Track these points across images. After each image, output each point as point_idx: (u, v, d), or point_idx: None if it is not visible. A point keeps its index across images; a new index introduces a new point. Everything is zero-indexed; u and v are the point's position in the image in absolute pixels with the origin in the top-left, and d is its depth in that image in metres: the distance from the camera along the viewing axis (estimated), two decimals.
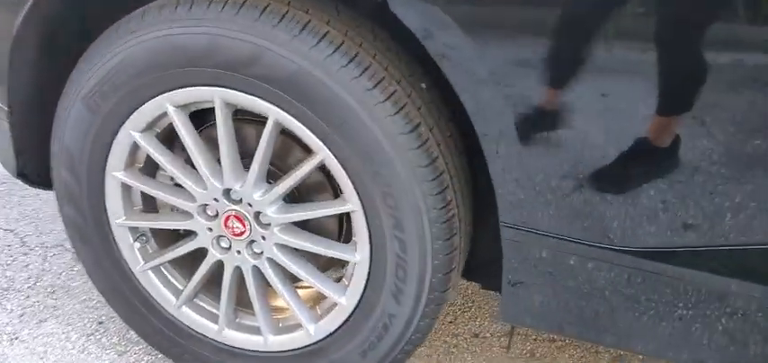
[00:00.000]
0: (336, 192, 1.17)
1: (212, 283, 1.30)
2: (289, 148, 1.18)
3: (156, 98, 1.10)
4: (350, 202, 1.09)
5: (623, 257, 1.00)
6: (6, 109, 1.25)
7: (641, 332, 1.06)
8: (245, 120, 1.17)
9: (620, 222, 0.98)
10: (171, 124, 1.13)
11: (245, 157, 1.14)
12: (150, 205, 1.29)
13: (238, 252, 1.21)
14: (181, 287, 1.31)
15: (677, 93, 0.89)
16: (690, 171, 0.92)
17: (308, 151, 1.11)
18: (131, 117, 1.13)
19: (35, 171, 1.36)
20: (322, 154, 1.06)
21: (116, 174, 1.20)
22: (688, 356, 1.05)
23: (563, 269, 1.04)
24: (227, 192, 1.15)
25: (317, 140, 1.05)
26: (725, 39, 0.85)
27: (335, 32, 1.00)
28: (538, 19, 0.90)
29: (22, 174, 1.35)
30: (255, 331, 1.29)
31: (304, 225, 1.18)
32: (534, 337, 1.56)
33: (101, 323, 1.56)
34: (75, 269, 1.71)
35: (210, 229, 1.20)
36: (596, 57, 0.89)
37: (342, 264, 1.23)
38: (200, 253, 1.24)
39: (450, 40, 0.92)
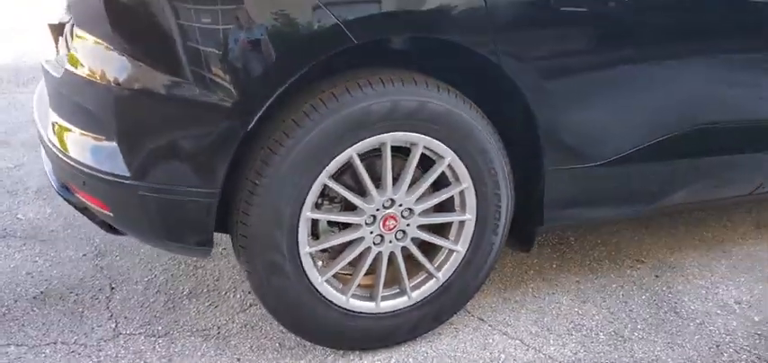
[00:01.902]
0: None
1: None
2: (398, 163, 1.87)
3: (347, 150, 1.72)
4: (464, 182, 1.85)
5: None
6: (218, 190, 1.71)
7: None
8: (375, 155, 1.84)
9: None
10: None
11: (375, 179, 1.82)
12: (315, 230, 1.86)
13: (390, 241, 1.87)
14: (341, 285, 1.90)
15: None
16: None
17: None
18: (327, 167, 1.73)
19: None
20: (449, 156, 1.81)
21: (308, 214, 1.77)
22: None
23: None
24: (387, 202, 1.82)
25: (449, 149, 1.80)
26: None
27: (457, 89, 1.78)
28: None
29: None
30: (397, 295, 1.94)
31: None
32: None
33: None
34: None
35: (372, 231, 1.84)
36: None
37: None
38: (362, 251, 1.86)
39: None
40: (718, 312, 2.20)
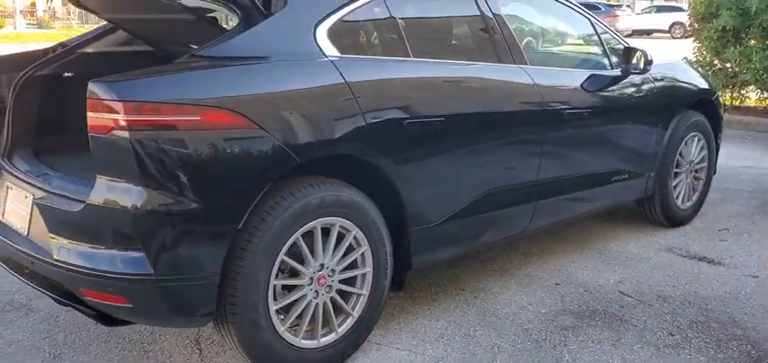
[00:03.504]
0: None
1: None
2: None
3: (295, 233, 2.55)
4: (364, 246, 2.77)
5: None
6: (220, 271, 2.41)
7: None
8: None
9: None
10: None
11: None
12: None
13: (322, 294, 2.70)
14: (292, 331, 2.67)
15: None
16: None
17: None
18: (284, 246, 2.53)
19: None
20: (355, 230, 2.72)
21: (274, 282, 2.54)
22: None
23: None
24: (319, 266, 2.66)
25: (354, 225, 2.70)
26: None
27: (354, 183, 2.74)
28: None
29: None
30: (329, 332, 2.76)
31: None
32: None
33: None
34: None
35: (312, 288, 2.66)
36: None
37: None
38: (306, 303, 2.66)
39: None
40: (519, 311, 3.33)
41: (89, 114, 2.27)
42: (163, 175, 2.28)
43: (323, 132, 2.61)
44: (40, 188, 2.68)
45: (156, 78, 2.35)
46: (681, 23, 30.97)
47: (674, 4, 37.38)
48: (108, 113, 2.24)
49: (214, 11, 3.20)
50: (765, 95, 8.82)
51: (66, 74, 3.31)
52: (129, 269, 2.33)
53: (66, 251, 2.44)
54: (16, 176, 2.87)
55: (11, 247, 2.72)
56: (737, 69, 8.69)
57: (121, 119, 2.23)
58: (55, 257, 2.46)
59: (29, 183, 2.76)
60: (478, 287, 3.59)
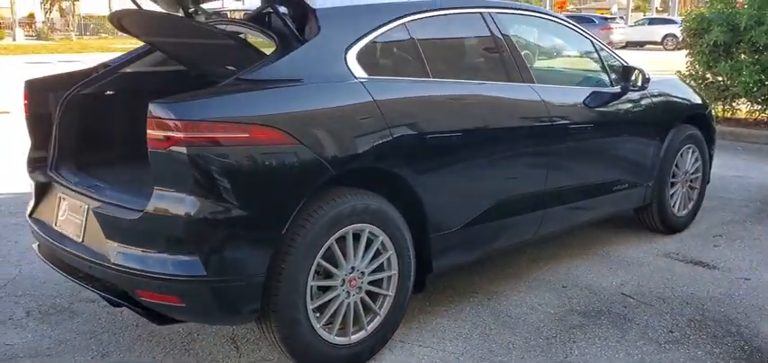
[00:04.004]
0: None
1: None
2: None
3: (330, 238, 2.80)
4: (390, 250, 3.02)
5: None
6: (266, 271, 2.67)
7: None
8: None
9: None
10: None
11: None
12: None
13: (353, 294, 2.95)
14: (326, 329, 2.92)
15: None
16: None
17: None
18: (321, 250, 2.78)
19: None
20: (382, 236, 2.97)
21: (311, 282, 2.78)
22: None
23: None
24: (350, 269, 2.91)
25: (381, 231, 2.96)
26: None
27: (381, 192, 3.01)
28: None
29: None
30: (359, 330, 3.00)
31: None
32: None
33: None
34: None
35: (344, 289, 2.91)
36: None
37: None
38: (339, 303, 2.91)
39: None
40: (530, 312, 3.58)
41: (149, 132, 2.52)
42: (215, 186, 2.53)
43: (355, 146, 2.86)
44: (94, 198, 2.93)
45: (209, 99, 2.61)
46: (673, 35, 31.43)
47: (666, 16, 37.90)
48: (167, 131, 2.49)
49: (246, 35, 3.46)
50: (755, 107, 9.13)
51: (108, 92, 3.56)
52: (184, 271, 2.58)
53: (123, 255, 2.68)
54: (68, 187, 3.12)
55: (66, 252, 2.97)
56: (729, 83, 9.01)
57: (180, 135, 2.48)
58: (112, 261, 2.70)
59: (82, 194, 3.01)
60: (491, 290, 3.84)
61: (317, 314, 2.88)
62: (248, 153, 2.58)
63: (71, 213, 3.04)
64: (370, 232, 2.95)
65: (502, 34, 3.70)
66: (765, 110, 9.07)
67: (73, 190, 3.08)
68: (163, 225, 2.60)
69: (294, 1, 3.03)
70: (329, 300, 2.90)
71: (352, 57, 3.02)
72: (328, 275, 2.89)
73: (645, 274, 4.14)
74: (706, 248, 4.62)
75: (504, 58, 3.68)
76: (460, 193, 3.33)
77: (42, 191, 3.31)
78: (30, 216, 3.34)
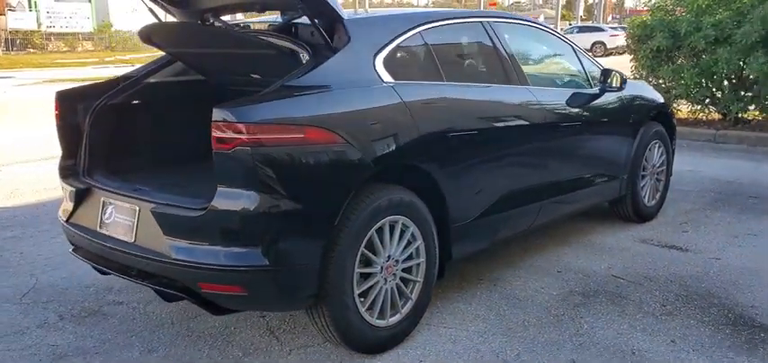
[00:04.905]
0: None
1: None
2: None
3: (372, 229, 3.06)
4: (419, 240, 3.30)
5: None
6: (320, 259, 2.89)
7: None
8: None
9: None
10: None
11: None
12: None
13: (390, 280, 3.20)
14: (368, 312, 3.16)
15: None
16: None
17: None
18: (364, 239, 3.03)
19: None
20: (412, 226, 3.25)
21: (357, 269, 3.02)
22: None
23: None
24: (386, 257, 3.17)
25: (412, 222, 3.24)
26: None
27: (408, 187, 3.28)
28: None
29: None
30: (395, 313, 3.26)
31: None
32: None
33: None
34: None
35: (382, 275, 3.16)
36: None
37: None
38: (378, 289, 3.16)
39: None
40: (535, 294, 3.91)
41: (214, 133, 2.72)
42: (275, 182, 2.75)
43: (391, 144, 3.13)
44: (145, 200, 3.09)
45: (266, 103, 2.83)
46: (602, 42, 32.83)
47: (593, 24, 39.43)
48: (231, 133, 2.70)
49: (266, 46, 3.67)
50: (696, 107, 9.82)
51: (134, 101, 3.72)
52: (248, 262, 2.78)
53: (185, 250, 2.87)
54: (114, 191, 3.26)
55: (116, 252, 3.12)
56: (670, 85, 9.67)
57: (244, 136, 2.69)
58: (173, 257, 2.88)
59: (132, 197, 3.16)
60: (494, 277, 4.16)
61: (362, 299, 3.12)
62: (304, 151, 2.82)
63: (118, 215, 3.19)
64: (402, 223, 3.22)
65: (500, 40, 4.04)
66: (704, 109, 9.78)
67: (120, 194, 3.23)
68: (226, 221, 2.79)
69: (325, 13, 3.27)
70: (370, 286, 3.15)
71: (379, 62, 3.29)
72: (368, 263, 3.14)
73: (628, 258, 4.54)
74: (676, 234, 5.08)
75: (503, 62, 4.02)
76: (476, 187, 3.64)
77: (80, 197, 3.44)
78: (67, 221, 3.46)
